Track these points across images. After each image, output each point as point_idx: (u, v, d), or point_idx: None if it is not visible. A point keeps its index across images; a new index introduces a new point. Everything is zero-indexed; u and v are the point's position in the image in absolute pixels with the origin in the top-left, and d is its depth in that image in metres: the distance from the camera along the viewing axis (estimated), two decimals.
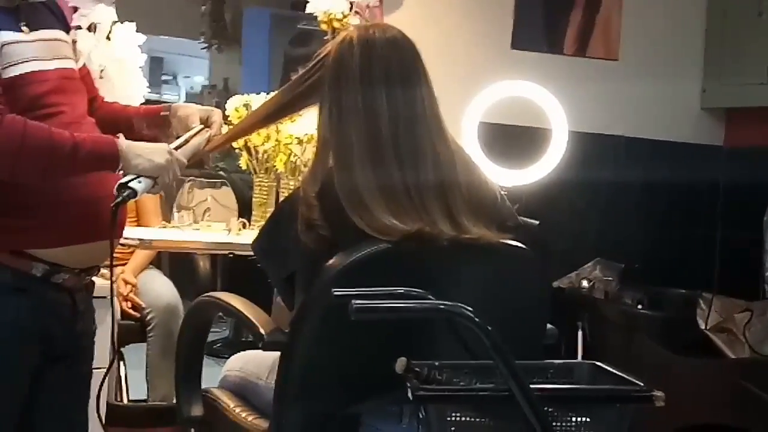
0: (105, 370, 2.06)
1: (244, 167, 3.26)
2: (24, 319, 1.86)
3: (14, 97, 1.82)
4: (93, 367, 2.12)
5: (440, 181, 1.83)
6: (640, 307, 3.59)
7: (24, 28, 1.89)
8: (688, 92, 3.99)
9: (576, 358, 3.33)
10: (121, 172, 1.87)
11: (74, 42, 2.04)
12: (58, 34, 1.98)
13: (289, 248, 1.82)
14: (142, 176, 1.86)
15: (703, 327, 3.34)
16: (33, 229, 1.85)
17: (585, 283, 3.60)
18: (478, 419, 1.57)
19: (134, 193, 1.85)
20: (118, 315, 3.05)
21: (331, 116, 1.85)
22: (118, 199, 1.84)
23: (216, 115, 2.11)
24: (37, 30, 1.92)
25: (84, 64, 2.15)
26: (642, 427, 1.74)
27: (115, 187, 1.85)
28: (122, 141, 1.88)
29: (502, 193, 1.96)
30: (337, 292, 1.56)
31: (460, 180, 1.85)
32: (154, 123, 2.14)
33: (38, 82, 1.88)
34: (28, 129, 1.77)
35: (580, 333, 3.42)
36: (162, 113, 2.12)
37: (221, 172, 4.91)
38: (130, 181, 1.86)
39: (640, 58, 3.93)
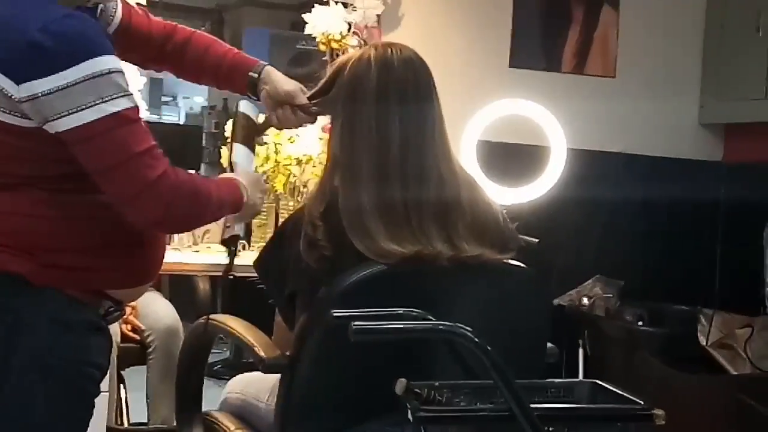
0: (106, 394, 2.01)
1: None
2: (105, 358, 1.79)
3: None
4: None
5: (443, 207, 1.83)
6: (640, 323, 3.59)
7: None
8: (687, 108, 4.00)
9: (577, 375, 3.33)
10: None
11: None
12: None
13: (291, 268, 1.82)
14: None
15: (704, 343, 3.34)
16: (116, 270, 1.76)
17: (585, 301, 3.60)
18: None
19: (239, 236, 1.91)
20: (118, 338, 3.06)
21: (342, 135, 1.84)
22: (233, 249, 1.88)
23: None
24: None
25: (122, 11, 1.93)
26: None
27: (227, 239, 1.88)
28: (243, 189, 1.82)
29: (505, 215, 1.95)
30: (337, 313, 1.56)
31: (463, 204, 1.85)
32: (232, 81, 2.01)
33: None
34: (197, 186, 1.71)
35: (581, 350, 3.42)
36: (250, 73, 1.98)
37: None
38: (234, 232, 1.89)
39: (638, 75, 3.94)
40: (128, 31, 1.92)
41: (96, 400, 1.86)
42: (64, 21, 1.57)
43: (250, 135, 1.98)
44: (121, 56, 1.88)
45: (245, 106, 2.00)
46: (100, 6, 1.82)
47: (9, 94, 1.57)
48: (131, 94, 1.62)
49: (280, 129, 2.08)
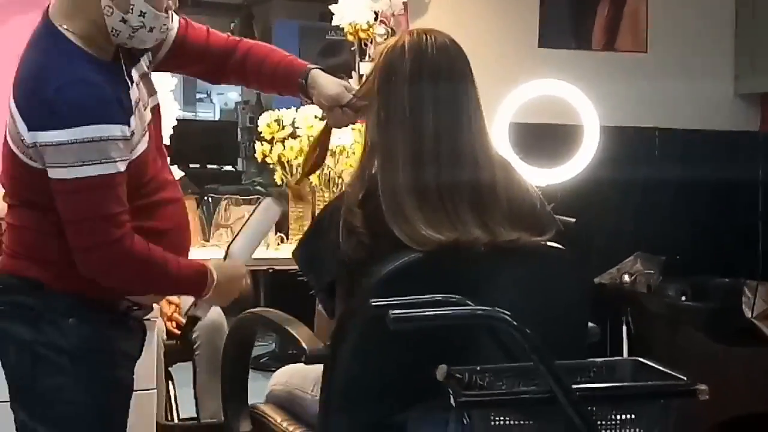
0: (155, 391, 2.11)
1: (279, 182, 3.29)
2: (127, 346, 1.98)
3: (133, 174, 1.85)
4: (142, 388, 2.21)
5: (478, 192, 1.83)
6: (683, 298, 3.55)
7: (131, 87, 1.88)
8: (721, 79, 3.96)
9: (621, 353, 3.31)
10: None
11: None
12: (142, 65, 1.96)
13: (329, 256, 1.83)
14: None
15: (749, 315, 3.30)
16: None
17: (627, 278, 3.57)
18: (522, 422, 1.58)
19: (199, 319, 2.04)
20: (163, 335, 3.10)
21: (379, 121, 1.85)
22: (188, 328, 2.06)
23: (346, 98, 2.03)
24: (131, 74, 1.90)
25: (178, 24, 2.05)
26: (693, 420, 1.73)
27: (188, 318, 2.02)
28: (214, 276, 1.94)
29: (542, 199, 1.95)
30: (375, 302, 1.57)
31: (499, 189, 1.85)
32: (288, 88, 2.11)
33: (150, 151, 1.91)
34: (151, 254, 1.85)
35: (624, 328, 3.40)
36: (299, 80, 2.05)
37: (258, 187, 4.96)
38: (197, 312, 2.01)
39: (670, 48, 3.90)
40: (184, 45, 2.05)
41: (144, 397, 1.97)
42: (75, 87, 1.76)
43: (261, 232, 2.09)
44: (179, 70, 2.19)
45: (269, 205, 2.10)
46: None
47: (21, 138, 1.79)
48: (116, 161, 1.78)
49: (339, 128, 2.13)
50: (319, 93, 2.03)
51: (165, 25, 1.87)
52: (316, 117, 3.20)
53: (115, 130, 1.77)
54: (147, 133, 1.90)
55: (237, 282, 2.03)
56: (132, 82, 1.88)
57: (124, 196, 1.81)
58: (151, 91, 1.98)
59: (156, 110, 1.99)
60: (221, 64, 2.10)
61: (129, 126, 1.80)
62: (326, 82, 2.03)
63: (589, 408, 1.56)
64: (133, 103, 1.86)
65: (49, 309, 1.87)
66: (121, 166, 1.79)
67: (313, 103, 2.10)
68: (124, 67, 1.87)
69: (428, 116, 1.82)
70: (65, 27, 1.81)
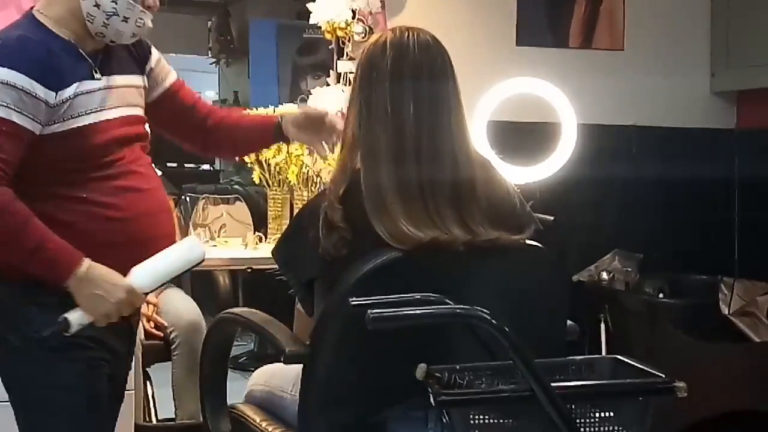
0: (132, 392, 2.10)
1: (257, 181, 3.28)
2: (92, 331, 1.93)
3: (75, 145, 1.90)
4: None
5: (458, 190, 1.84)
6: (661, 296, 3.57)
7: (96, 74, 1.94)
8: (698, 77, 3.98)
9: (600, 351, 3.32)
10: None
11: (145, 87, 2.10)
12: (131, 79, 2.04)
13: (309, 254, 1.83)
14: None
15: (726, 312, 3.33)
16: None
17: (604, 275, 3.59)
18: (501, 420, 1.58)
19: (68, 325, 1.85)
20: (141, 335, 3.09)
21: (360, 116, 1.86)
22: (51, 330, 1.86)
23: (329, 120, 2.16)
24: (110, 75, 1.97)
25: (176, 78, 2.21)
26: (672, 416, 1.74)
27: (60, 320, 1.86)
28: (83, 268, 1.85)
29: (521, 197, 1.95)
30: (354, 301, 1.57)
31: (478, 187, 1.85)
32: (269, 138, 2.25)
33: (100, 132, 1.93)
34: (8, 208, 1.81)
35: (602, 326, 3.41)
36: (276, 121, 2.20)
37: (237, 186, 4.94)
38: (68, 315, 1.86)
39: (647, 46, 3.92)
40: (174, 99, 2.18)
41: (121, 397, 1.95)
42: (10, 41, 1.85)
43: (173, 267, 1.99)
44: (165, 127, 2.24)
45: (192, 245, 2.06)
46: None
47: None
48: (9, 108, 1.80)
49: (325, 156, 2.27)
50: (307, 116, 2.17)
51: (141, 18, 1.94)
52: None
53: (22, 80, 1.81)
54: (96, 115, 1.92)
55: (113, 292, 1.87)
56: (102, 75, 1.94)
57: (12, 150, 1.81)
58: (135, 101, 2.04)
59: (137, 117, 2.05)
60: (199, 126, 2.20)
61: (54, 92, 1.84)
62: (305, 107, 2.27)
63: (569, 406, 1.56)
64: (88, 85, 1.90)
65: (10, 297, 1.91)
66: (16, 118, 1.81)
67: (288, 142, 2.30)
68: (97, 60, 1.95)
69: (409, 114, 1.82)
70: (41, 12, 1.93)
